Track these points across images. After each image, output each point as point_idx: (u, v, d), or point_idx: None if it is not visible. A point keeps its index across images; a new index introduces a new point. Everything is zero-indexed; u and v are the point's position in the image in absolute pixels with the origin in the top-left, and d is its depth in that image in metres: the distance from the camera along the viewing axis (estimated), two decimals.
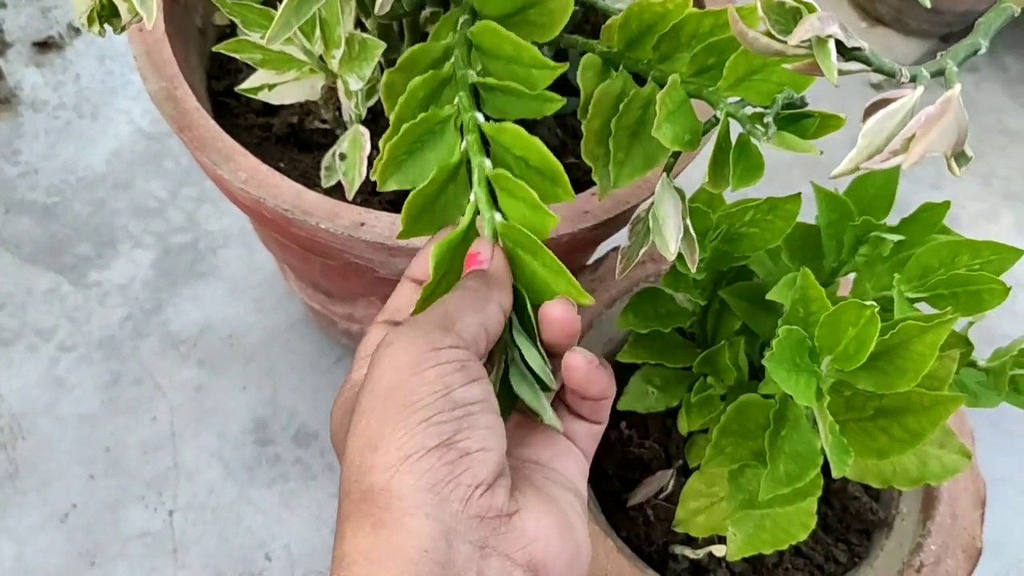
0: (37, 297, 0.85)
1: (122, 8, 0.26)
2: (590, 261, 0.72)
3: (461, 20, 0.46)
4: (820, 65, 0.27)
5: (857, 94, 1.08)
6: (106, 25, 0.29)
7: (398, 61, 0.45)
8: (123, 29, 0.30)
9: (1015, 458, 0.88)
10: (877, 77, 1.10)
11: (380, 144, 0.42)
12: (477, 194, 0.41)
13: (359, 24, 0.59)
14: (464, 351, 0.33)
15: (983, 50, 0.29)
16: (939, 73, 0.28)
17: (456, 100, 0.44)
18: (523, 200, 0.40)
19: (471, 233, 0.41)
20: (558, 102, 0.42)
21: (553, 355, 0.39)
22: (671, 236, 0.41)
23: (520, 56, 0.43)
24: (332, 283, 0.68)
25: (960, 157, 0.28)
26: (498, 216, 0.40)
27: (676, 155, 0.47)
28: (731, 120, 0.44)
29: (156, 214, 0.90)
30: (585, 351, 0.38)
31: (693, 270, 0.44)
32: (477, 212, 0.41)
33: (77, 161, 0.92)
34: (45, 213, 0.89)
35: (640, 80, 0.49)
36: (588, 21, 0.71)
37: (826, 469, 0.60)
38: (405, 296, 0.40)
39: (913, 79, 0.28)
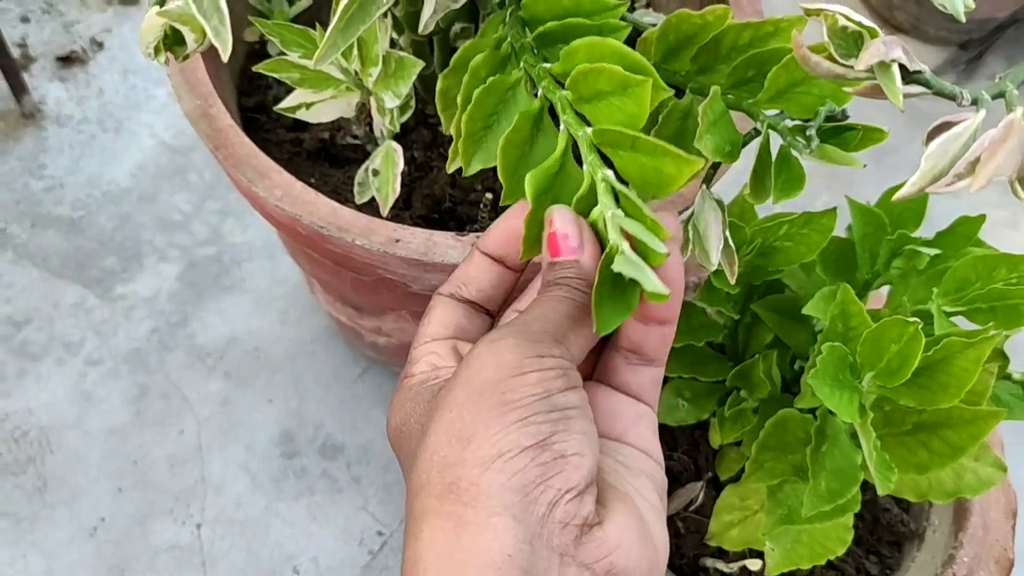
0: (64, 311, 0.85)
1: (188, 38, 0.26)
2: None
3: (510, 10, 0.46)
4: (884, 89, 0.27)
5: (876, 102, 1.08)
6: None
7: (451, 63, 0.44)
8: (186, 57, 0.30)
9: None
10: None
11: (452, 128, 0.42)
12: (565, 121, 0.38)
13: (392, 42, 0.59)
14: (567, 360, 0.32)
15: None
16: (1000, 95, 0.28)
17: (522, 63, 0.43)
18: (611, 115, 0.38)
19: (567, 162, 0.38)
20: (624, 29, 0.41)
21: None
22: (712, 247, 0.42)
23: (581, 5, 0.42)
24: (362, 297, 0.69)
25: None
26: (588, 130, 0.38)
27: (715, 166, 0.47)
28: (771, 132, 0.44)
29: (181, 227, 0.90)
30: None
31: (732, 282, 0.44)
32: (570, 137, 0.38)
33: (102, 175, 0.92)
34: (71, 227, 0.89)
35: (678, 92, 0.49)
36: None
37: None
38: (476, 269, 0.38)
39: (974, 102, 0.28)
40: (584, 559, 0.29)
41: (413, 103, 0.58)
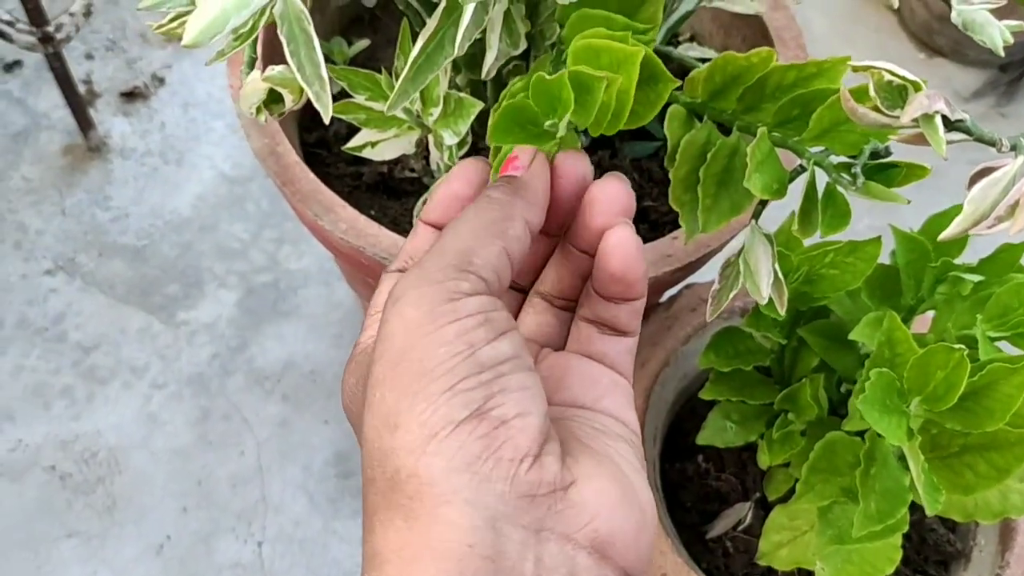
0: (130, 336, 0.89)
1: (287, 99, 0.29)
2: (663, 299, 0.74)
3: (554, 53, 0.48)
4: (929, 139, 0.29)
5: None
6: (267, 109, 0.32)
7: (500, 99, 0.47)
8: (282, 114, 0.33)
9: None
10: None
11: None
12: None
13: (451, 83, 0.62)
14: (487, 297, 0.28)
15: None
16: None
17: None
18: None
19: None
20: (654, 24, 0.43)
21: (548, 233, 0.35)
22: (763, 281, 0.44)
23: (613, 28, 0.44)
24: None
25: None
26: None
27: (763, 202, 0.49)
28: (817, 169, 0.46)
29: (239, 255, 0.94)
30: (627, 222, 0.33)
31: (782, 312, 0.46)
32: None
33: (164, 205, 0.96)
34: (136, 255, 0.93)
35: (724, 129, 0.51)
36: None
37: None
38: (421, 240, 0.34)
39: (1013, 148, 0.30)
40: (564, 529, 0.26)
41: (470, 139, 0.61)
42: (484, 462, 0.25)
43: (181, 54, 1.07)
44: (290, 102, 0.30)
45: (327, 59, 0.63)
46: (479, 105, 0.53)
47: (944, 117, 0.29)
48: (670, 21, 0.69)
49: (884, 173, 0.44)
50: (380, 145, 0.55)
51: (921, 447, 0.52)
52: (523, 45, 0.47)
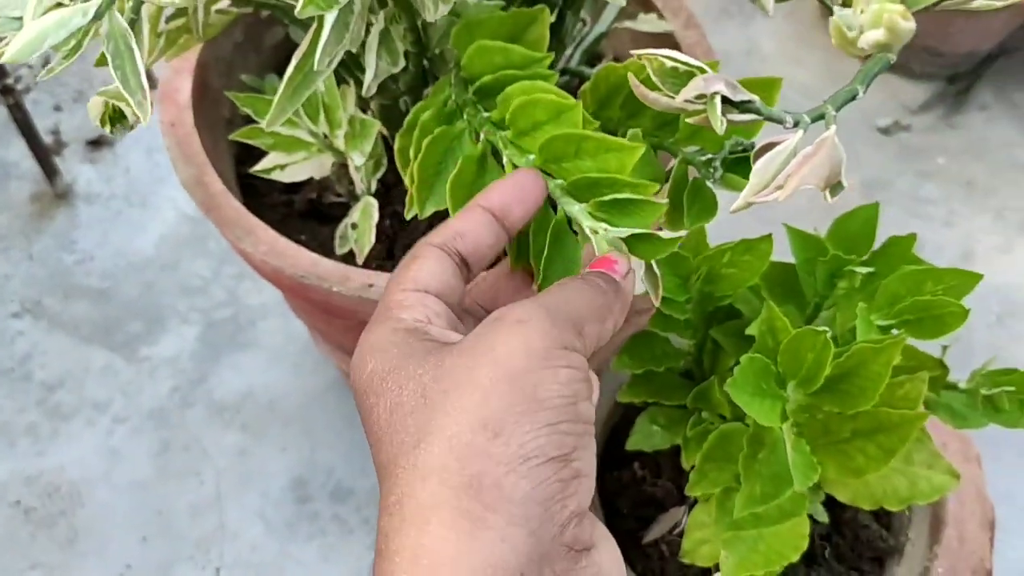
0: (94, 374, 0.92)
1: (128, 112, 0.32)
2: None
3: (453, 73, 0.51)
4: (710, 117, 0.31)
5: (865, 139, 1.12)
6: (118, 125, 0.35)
7: (404, 123, 0.50)
8: (132, 128, 0.35)
9: None
10: (885, 122, 1.14)
11: (407, 176, 0.47)
12: (507, 155, 0.43)
13: (365, 107, 0.65)
14: (586, 362, 0.31)
15: (861, 95, 0.33)
16: (820, 117, 0.32)
17: (464, 115, 0.48)
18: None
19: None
20: (552, 76, 0.46)
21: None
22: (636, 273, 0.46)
23: (512, 59, 0.47)
24: (354, 343, 0.73)
25: (835, 187, 0.31)
26: (531, 156, 0.41)
27: None
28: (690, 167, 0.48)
29: (200, 292, 0.97)
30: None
31: (656, 303, 0.48)
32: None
33: (128, 246, 1.00)
34: (100, 296, 0.96)
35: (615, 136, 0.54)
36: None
37: (834, 502, 0.63)
38: (474, 223, 0.36)
39: (796, 124, 0.32)
40: None
41: (385, 161, 0.64)
42: (555, 503, 0.27)
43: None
44: (132, 116, 0.33)
45: (260, 93, 0.66)
46: (377, 124, 0.56)
47: (728, 99, 0.31)
48: (586, 43, 0.72)
49: (742, 166, 0.46)
50: (289, 167, 0.58)
51: (814, 433, 0.53)
52: (402, 63, 0.50)
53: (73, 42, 0.29)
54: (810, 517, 0.63)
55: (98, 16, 0.29)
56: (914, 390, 0.53)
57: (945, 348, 0.58)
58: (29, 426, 0.89)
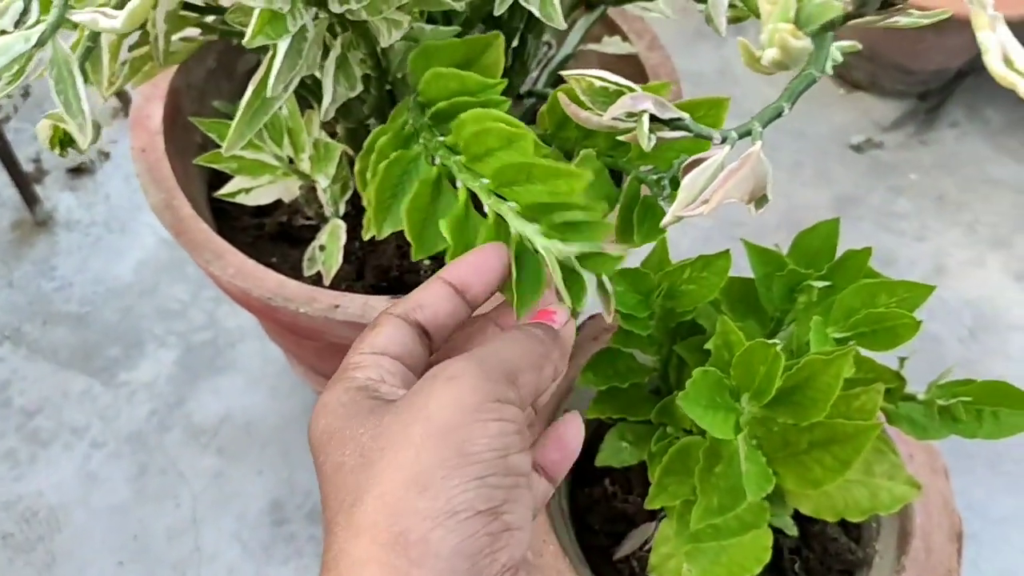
0: (72, 399, 0.92)
1: (78, 136, 0.33)
2: None
3: (411, 97, 0.52)
4: (638, 134, 0.32)
5: (838, 157, 1.13)
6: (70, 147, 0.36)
7: (363, 146, 0.51)
8: (80, 150, 0.36)
9: (1014, 498, 0.90)
10: (857, 139, 1.15)
11: (364, 198, 0.48)
12: (462, 179, 0.44)
13: (333, 131, 0.66)
14: (521, 413, 0.31)
15: (786, 112, 0.34)
16: (747, 134, 0.33)
17: (421, 139, 0.49)
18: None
19: (471, 212, 0.43)
20: (504, 103, 0.47)
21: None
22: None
23: (467, 85, 0.48)
24: (325, 364, 0.74)
25: (760, 200, 0.32)
26: (484, 180, 0.43)
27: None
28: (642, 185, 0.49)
29: (179, 316, 0.98)
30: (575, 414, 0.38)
31: (609, 320, 0.48)
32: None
33: (107, 272, 1.00)
34: (79, 322, 0.97)
35: (570, 156, 0.55)
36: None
37: (803, 516, 0.63)
38: (434, 296, 0.36)
39: (724, 140, 0.33)
40: None
41: (352, 184, 0.65)
42: (484, 557, 0.28)
43: (125, 129, 1.12)
44: (82, 140, 0.33)
45: (230, 119, 0.67)
46: (340, 147, 0.57)
47: (653, 116, 0.32)
48: (552, 65, 0.74)
49: None
50: (254, 191, 0.59)
51: (773, 446, 0.54)
52: (360, 88, 0.51)
53: (16, 67, 0.30)
54: (780, 531, 0.64)
55: (40, 43, 0.30)
56: (870, 401, 0.53)
57: (903, 360, 0.59)
58: (8, 452, 0.89)
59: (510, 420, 0.30)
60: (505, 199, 0.43)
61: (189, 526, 0.85)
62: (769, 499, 0.58)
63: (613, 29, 0.74)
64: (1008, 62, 0.24)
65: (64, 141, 0.36)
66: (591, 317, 0.77)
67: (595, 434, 0.78)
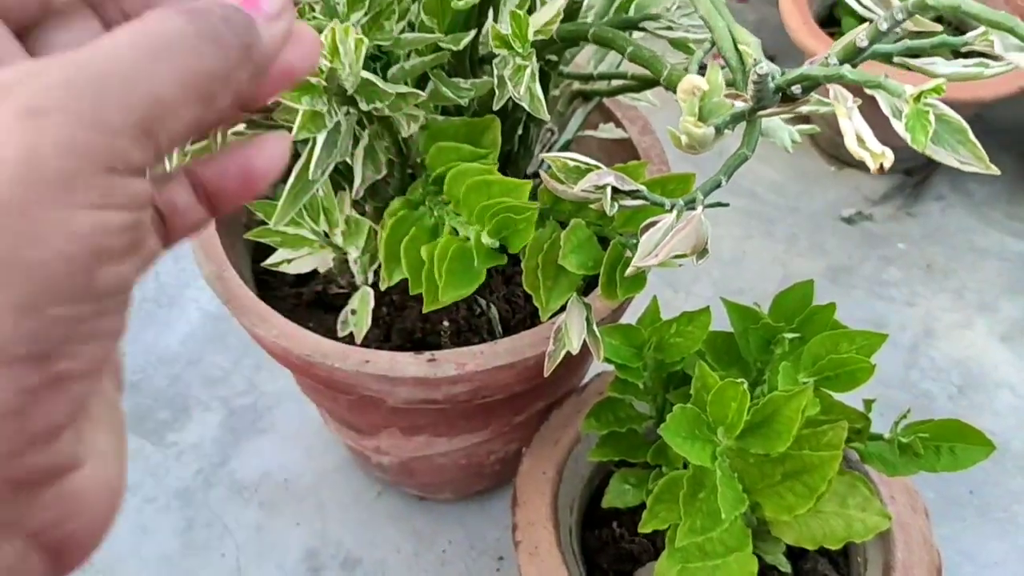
0: None
1: None
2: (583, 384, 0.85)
3: (424, 175, 0.62)
4: (604, 205, 0.40)
5: (830, 229, 1.21)
6: None
7: (383, 216, 0.60)
8: None
9: (1004, 543, 0.95)
10: (848, 212, 1.23)
11: (380, 254, 0.57)
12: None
13: (362, 209, 0.76)
14: (149, 190, 0.21)
15: (724, 184, 0.42)
16: (691, 202, 0.41)
17: (427, 202, 0.58)
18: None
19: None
20: (494, 150, 0.57)
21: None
22: (575, 336, 0.55)
23: (463, 155, 0.57)
24: (356, 417, 0.82)
25: (702, 253, 0.41)
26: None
27: (592, 280, 0.61)
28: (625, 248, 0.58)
29: (222, 382, 1.06)
30: None
31: (599, 360, 0.57)
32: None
33: (157, 343, 1.10)
34: (132, 388, 1.06)
35: (565, 225, 0.64)
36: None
37: (795, 554, 0.70)
38: None
39: (672, 207, 0.41)
40: (36, 526, 0.21)
41: (379, 255, 0.74)
42: (11, 422, 0.19)
43: None
44: None
45: (268, 199, 0.76)
46: (368, 223, 0.66)
47: (617, 188, 0.40)
48: (554, 149, 0.83)
49: None
50: (295, 262, 0.68)
51: (752, 477, 0.61)
52: (384, 171, 0.60)
53: None
54: (774, 568, 0.70)
55: None
56: (836, 437, 0.61)
57: (868, 402, 0.66)
58: None
59: (120, 208, 0.20)
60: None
61: (233, 575, 0.92)
62: (758, 533, 0.65)
63: (608, 116, 0.83)
64: (860, 141, 0.32)
65: None
66: (598, 375, 0.84)
67: (604, 480, 0.85)
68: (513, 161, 0.73)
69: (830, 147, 1.29)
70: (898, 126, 0.33)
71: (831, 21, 1.31)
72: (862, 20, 0.37)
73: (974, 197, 1.25)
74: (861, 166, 1.27)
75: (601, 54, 0.75)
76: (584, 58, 0.77)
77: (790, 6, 1.22)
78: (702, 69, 0.62)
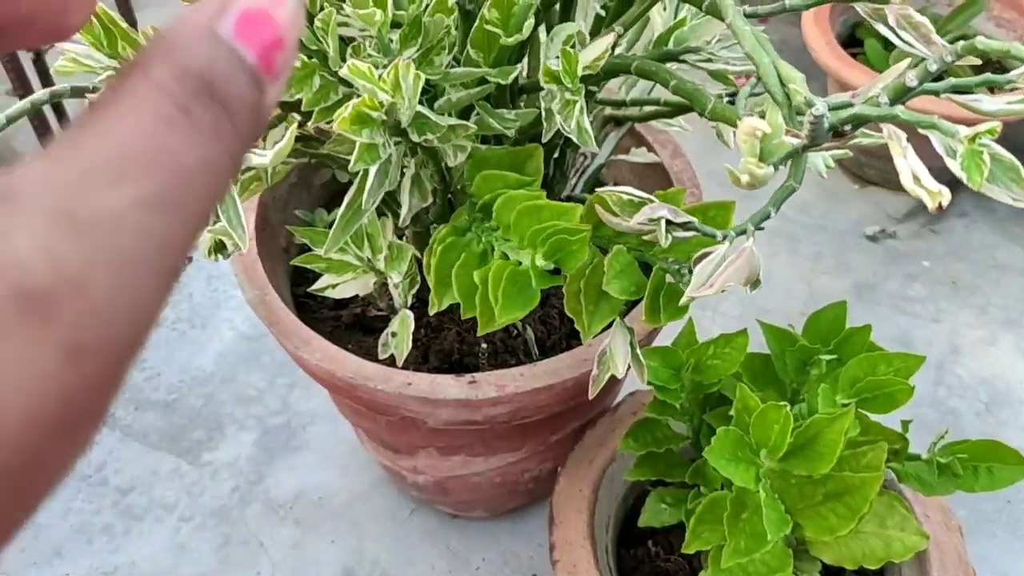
0: (162, 477, 1.02)
1: (228, 243, 0.43)
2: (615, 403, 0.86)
3: (468, 203, 0.63)
4: (658, 234, 0.42)
5: (855, 247, 1.22)
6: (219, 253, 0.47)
7: (429, 243, 0.61)
8: (228, 255, 0.46)
9: None
10: (872, 230, 1.24)
11: (429, 279, 0.58)
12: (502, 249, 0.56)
13: (402, 235, 0.77)
14: None
15: (773, 215, 0.43)
16: (743, 232, 0.42)
17: (474, 228, 0.60)
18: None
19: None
20: (538, 189, 0.58)
21: None
22: (620, 360, 0.56)
23: (508, 182, 0.59)
24: (395, 438, 0.84)
25: (754, 284, 0.42)
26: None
27: (632, 303, 0.62)
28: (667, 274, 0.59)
29: (256, 401, 1.08)
30: None
31: (643, 383, 0.58)
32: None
33: (191, 363, 1.11)
34: (167, 408, 1.08)
35: (606, 252, 0.65)
36: None
37: (831, 573, 0.71)
38: None
39: (724, 238, 0.42)
40: None
41: (419, 280, 0.75)
42: None
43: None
44: (231, 247, 0.44)
45: (310, 225, 0.78)
46: (411, 249, 0.68)
47: (669, 220, 0.42)
48: (588, 173, 0.84)
49: None
50: (340, 286, 0.70)
51: (793, 498, 0.62)
52: (430, 199, 0.62)
53: None
54: None
55: None
56: (875, 458, 0.61)
57: (906, 423, 0.67)
58: (105, 526, 0.99)
59: None
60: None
61: None
62: (796, 553, 0.66)
63: (640, 141, 0.85)
64: (916, 179, 0.33)
65: (216, 249, 0.47)
66: (631, 394, 0.85)
67: (639, 499, 0.86)
68: (549, 186, 0.74)
69: (853, 166, 1.30)
70: (953, 165, 0.34)
71: (853, 41, 1.32)
72: (886, 42, 0.38)
73: (997, 213, 1.25)
74: (884, 184, 1.28)
75: (633, 80, 0.76)
76: (616, 83, 0.79)
77: (812, 27, 1.23)
78: (732, 96, 0.64)
